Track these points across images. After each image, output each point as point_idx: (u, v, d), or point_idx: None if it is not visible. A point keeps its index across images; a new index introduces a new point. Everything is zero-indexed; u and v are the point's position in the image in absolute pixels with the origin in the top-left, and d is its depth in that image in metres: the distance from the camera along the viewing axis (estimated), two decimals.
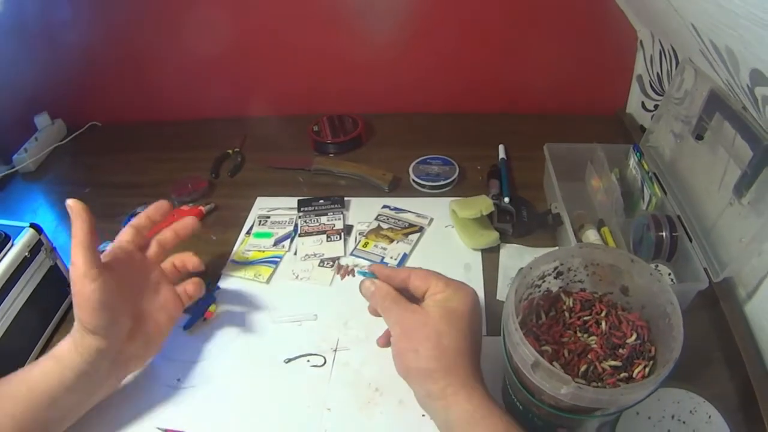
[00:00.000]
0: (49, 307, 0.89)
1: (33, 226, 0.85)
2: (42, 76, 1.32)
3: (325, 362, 0.79)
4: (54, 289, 0.90)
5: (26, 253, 0.82)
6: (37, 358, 0.84)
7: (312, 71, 1.32)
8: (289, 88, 1.36)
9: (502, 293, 0.88)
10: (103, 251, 0.71)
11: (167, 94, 1.37)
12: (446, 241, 0.99)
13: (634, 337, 0.63)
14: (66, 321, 0.91)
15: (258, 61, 1.33)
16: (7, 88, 1.25)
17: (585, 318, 0.67)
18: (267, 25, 1.26)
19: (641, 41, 1.18)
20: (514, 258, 0.94)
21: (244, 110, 1.36)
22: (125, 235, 0.76)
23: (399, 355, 0.65)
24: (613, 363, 0.61)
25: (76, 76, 1.35)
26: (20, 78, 1.30)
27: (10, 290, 0.80)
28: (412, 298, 0.68)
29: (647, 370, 0.61)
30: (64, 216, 1.13)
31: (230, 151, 1.26)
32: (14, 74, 1.29)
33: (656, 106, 1.17)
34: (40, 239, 0.85)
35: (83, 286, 0.65)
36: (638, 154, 0.98)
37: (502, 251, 0.95)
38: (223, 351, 0.82)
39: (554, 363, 0.60)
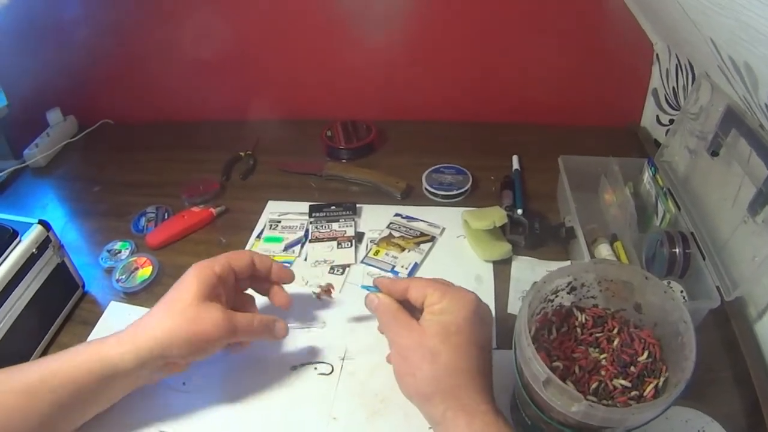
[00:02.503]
0: (54, 305, 0.89)
1: (41, 222, 0.85)
2: (55, 72, 1.32)
3: (332, 371, 0.78)
4: (60, 287, 0.89)
5: (33, 250, 0.82)
6: (41, 356, 0.84)
7: (325, 76, 1.32)
8: (303, 92, 1.36)
9: (512, 306, 0.87)
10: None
11: (180, 94, 1.36)
12: (458, 251, 0.98)
13: (645, 355, 0.63)
14: (71, 319, 0.91)
15: (272, 63, 1.33)
16: (19, 82, 1.25)
17: (597, 334, 0.66)
18: (281, 28, 1.26)
19: (657, 54, 1.17)
20: (526, 271, 0.93)
21: (256, 113, 1.35)
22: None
23: (399, 379, 0.64)
24: (623, 382, 0.61)
25: (89, 73, 1.35)
26: (33, 73, 1.30)
27: (16, 287, 0.79)
28: (415, 309, 0.66)
29: (658, 387, 0.60)
30: (73, 213, 1.14)
31: (242, 154, 1.26)
32: (27, 69, 1.29)
33: (671, 121, 1.16)
34: (48, 236, 0.85)
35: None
36: (653, 168, 0.97)
37: (513, 263, 0.94)
38: (230, 356, 0.81)
39: (567, 381, 0.59)
